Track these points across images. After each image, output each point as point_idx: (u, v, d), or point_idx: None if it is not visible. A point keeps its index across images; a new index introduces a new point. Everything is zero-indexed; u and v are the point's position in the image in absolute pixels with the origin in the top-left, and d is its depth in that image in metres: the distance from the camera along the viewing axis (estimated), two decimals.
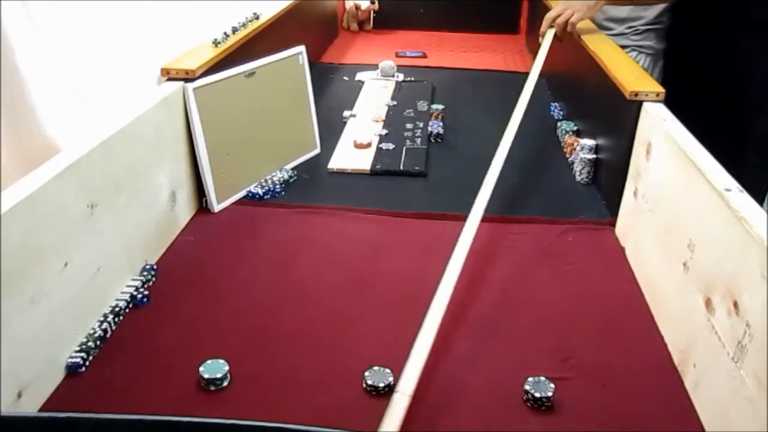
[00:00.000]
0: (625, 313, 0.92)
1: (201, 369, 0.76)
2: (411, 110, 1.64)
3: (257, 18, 1.47)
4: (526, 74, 2.07)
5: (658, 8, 1.77)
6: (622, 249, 1.07)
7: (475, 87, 1.90)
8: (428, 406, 0.75)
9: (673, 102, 1.07)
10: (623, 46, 1.54)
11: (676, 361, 0.82)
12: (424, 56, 2.17)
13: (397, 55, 2.14)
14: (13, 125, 0.93)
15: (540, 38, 1.64)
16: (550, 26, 1.60)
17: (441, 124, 1.53)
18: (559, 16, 1.57)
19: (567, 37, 1.56)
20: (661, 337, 0.87)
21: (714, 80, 1.88)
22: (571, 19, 1.54)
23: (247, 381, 0.77)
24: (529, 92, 1.33)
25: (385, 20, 2.51)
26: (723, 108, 1.84)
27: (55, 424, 0.51)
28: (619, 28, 1.81)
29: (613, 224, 1.13)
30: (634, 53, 1.76)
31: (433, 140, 1.48)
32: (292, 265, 1.01)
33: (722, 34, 1.87)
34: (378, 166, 1.33)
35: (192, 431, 0.51)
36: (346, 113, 1.60)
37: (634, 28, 1.80)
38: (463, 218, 1.14)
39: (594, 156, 1.28)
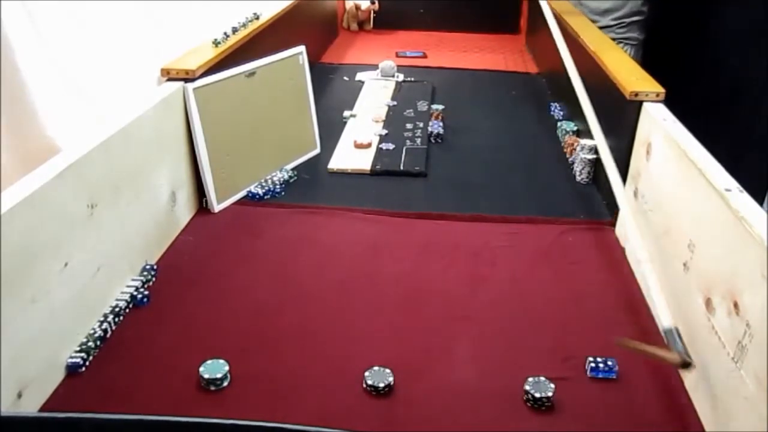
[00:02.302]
0: (625, 313, 0.92)
1: (201, 369, 0.76)
2: (411, 110, 1.64)
3: (257, 18, 1.47)
4: (527, 74, 2.07)
5: None
6: (622, 249, 1.07)
7: (475, 87, 1.90)
8: (428, 406, 0.75)
9: (672, 99, 1.07)
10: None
11: None
12: (424, 56, 2.17)
13: (397, 55, 2.14)
14: (13, 125, 0.93)
15: None
16: None
17: (441, 124, 1.53)
18: None
19: None
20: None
21: (707, 66, 1.91)
22: None
23: (247, 381, 0.77)
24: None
25: (385, 20, 2.51)
26: (721, 103, 1.85)
27: (55, 424, 0.51)
28: (604, 20, 1.84)
29: (613, 224, 1.13)
30: (620, 45, 1.79)
31: (433, 140, 1.48)
32: (292, 266, 1.01)
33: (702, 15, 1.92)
34: (378, 166, 1.33)
35: (192, 431, 0.51)
36: (346, 113, 1.60)
37: (619, 21, 1.84)
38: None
39: (594, 156, 1.28)
